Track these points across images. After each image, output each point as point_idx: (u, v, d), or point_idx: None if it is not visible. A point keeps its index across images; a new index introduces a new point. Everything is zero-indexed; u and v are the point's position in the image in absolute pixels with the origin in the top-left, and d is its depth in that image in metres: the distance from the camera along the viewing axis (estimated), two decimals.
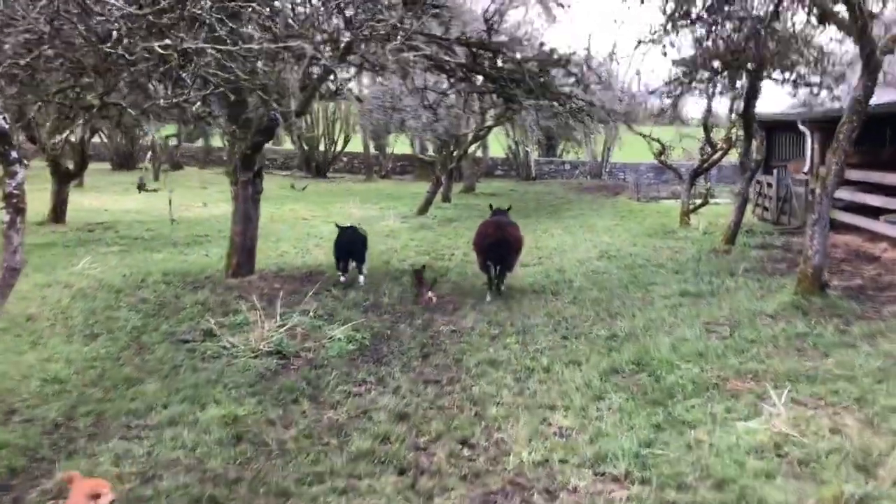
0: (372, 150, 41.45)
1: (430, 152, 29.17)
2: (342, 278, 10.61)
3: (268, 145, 47.87)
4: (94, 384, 6.36)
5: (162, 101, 5.95)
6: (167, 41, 5.48)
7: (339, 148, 41.81)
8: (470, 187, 31.77)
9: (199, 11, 6.06)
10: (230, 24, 6.13)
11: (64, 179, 18.10)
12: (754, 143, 14.64)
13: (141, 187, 6.55)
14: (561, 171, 41.96)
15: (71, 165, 18.88)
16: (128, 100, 6.39)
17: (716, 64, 13.33)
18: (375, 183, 37.66)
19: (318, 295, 9.56)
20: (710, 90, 16.17)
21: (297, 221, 20.03)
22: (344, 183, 37.44)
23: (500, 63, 10.19)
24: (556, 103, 10.47)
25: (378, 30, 7.33)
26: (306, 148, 41.39)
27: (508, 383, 6.59)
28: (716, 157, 19.31)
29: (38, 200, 19.69)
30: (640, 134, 20.63)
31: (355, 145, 42.31)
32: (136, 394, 6.13)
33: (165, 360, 7.11)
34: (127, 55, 5.62)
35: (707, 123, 18.79)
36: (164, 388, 6.28)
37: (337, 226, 11.01)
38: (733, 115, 19.16)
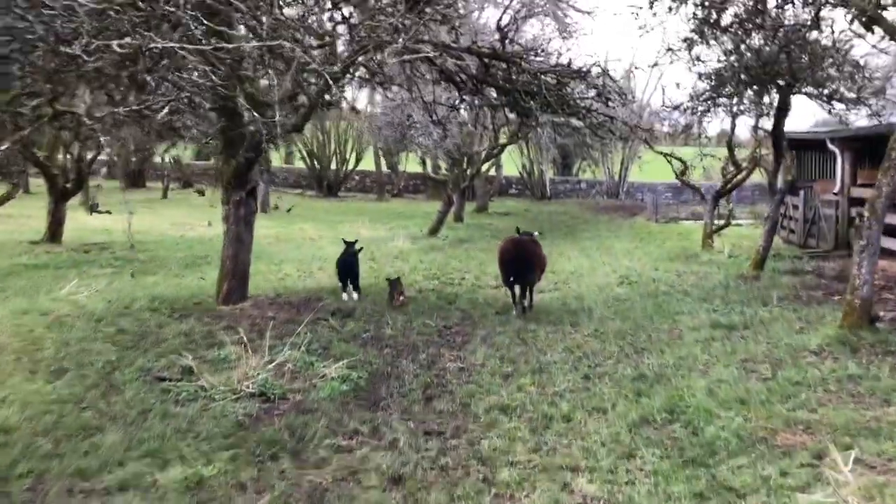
0: (384, 168, 40.79)
1: (444, 171, 28.46)
2: (344, 296, 10.34)
3: (278, 164, 47.40)
4: (46, 433, 5.53)
5: (122, 109, 5.20)
6: (127, 39, 4.71)
7: (350, 166, 41.25)
8: (483, 207, 31.02)
9: (173, 9, 5.30)
10: (207, 24, 5.36)
11: (61, 198, 17.47)
12: (784, 163, 13.72)
13: (92, 208, 5.76)
14: (577, 190, 41.12)
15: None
16: (85, 108, 5.65)
17: (744, 77, 12.47)
18: (387, 202, 37.00)
19: (315, 325, 8.74)
20: (736, 107, 15.32)
21: (304, 242, 19.31)
22: (355, 202, 36.82)
23: (514, 75, 9.40)
24: (574, 118, 9.66)
25: (378, 32, 6.56)
26: (317, 167, 40.84)
27: (523, 436, 5.71)
28: (740, 177, 18.40)
29: (41, 219, 19.13)
30: (661, 153, 19.76)
31: (368, 164, 41.71)
32: (91, 446, 5.30)
33: (134, 402, 6.29)
34: (84, 56, 4.85)
35: (731, 142, 17.90)
36: (126, 438, 5.44)
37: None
38: (759, 133, 18.30)
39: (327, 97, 8.51)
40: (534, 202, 37.27)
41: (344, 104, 10.08)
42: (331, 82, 6.80)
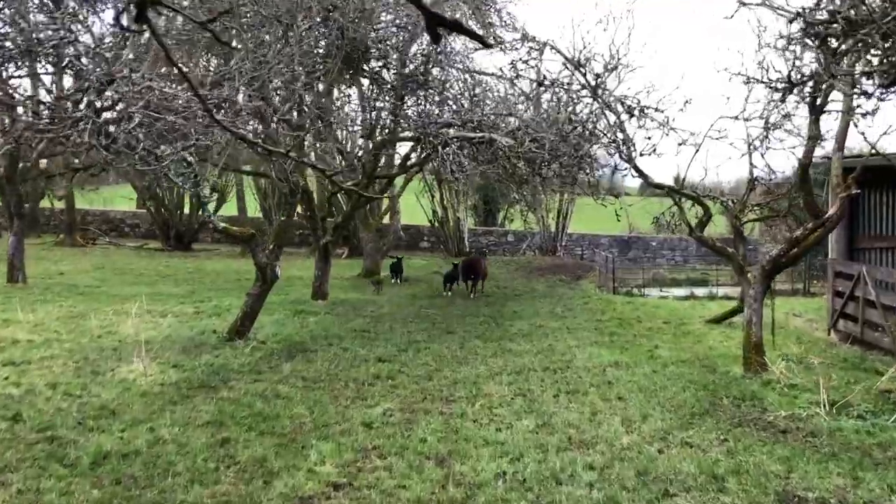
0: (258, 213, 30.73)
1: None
2: None
3: (125, 209, 36.35)
4: None
5: None
6: None
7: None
8: (372, 270, 21.46)
9: None
10: None
11: None
12: None
13: None
14: (503, 244, 32.11)
15: None
16: None
17: None
18: (248, 259, 26.94)
19: None
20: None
21: None
22: (204, 260, 26.77)
23: None
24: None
25: None
26: (164, 212, 30.55)
27: None
28: (818, 233, 9.50)
29: None
30: (661, 186, 10.65)
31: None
32: None
33: None
34: None
35: (807, 168, 9.02)
36: None
37: None
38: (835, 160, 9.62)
39: None
40: (448, 259, 27.88)
41: None
42: None
